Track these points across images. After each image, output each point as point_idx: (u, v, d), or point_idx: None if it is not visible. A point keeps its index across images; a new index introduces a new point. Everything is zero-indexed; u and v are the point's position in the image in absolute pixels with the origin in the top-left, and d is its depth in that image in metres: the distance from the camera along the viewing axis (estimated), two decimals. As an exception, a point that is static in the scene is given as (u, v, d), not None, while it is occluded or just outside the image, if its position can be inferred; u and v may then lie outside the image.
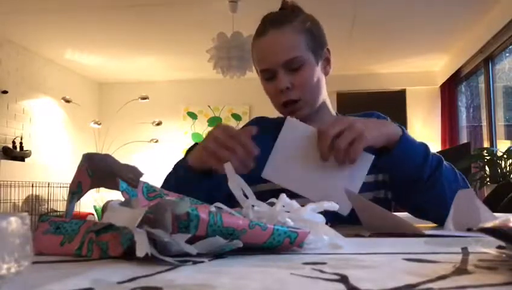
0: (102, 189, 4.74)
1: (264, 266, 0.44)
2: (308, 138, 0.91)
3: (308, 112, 1.18)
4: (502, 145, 4.38)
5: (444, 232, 0.73)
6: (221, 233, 0.47)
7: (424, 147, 0.98)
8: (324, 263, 0.45)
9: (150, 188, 0.61)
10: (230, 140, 0.89)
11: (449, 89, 5.76)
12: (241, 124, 6.39)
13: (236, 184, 0.63)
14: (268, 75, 1.15)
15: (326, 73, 1.22)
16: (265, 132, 1.26)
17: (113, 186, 0.58)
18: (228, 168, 0.66)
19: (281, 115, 1.35)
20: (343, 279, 0.37)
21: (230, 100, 6.50)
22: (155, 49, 5.44)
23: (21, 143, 5.03)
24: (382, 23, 4.58)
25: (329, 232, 0.58)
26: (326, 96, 1.25)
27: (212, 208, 0.57)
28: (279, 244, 0.51)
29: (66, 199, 0.63)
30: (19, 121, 5.22)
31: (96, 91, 6.81)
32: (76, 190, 0.61)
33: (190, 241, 0.46)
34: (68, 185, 0.66)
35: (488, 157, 3.50)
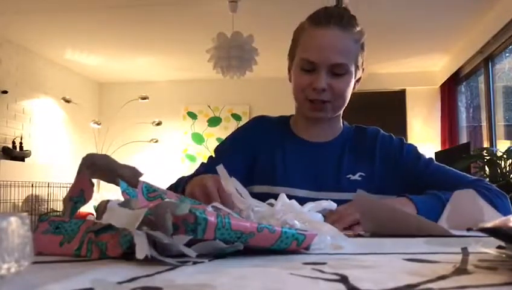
0: (102, 189, 4.74)
1: (264, 266, 0.44)
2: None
3: (330, 116, 1.19)
4: (502, 145, 4.38)
5: (462, 234, 0.73)
6: (229, 236, 0.47)
7: (439, 206, 0.94)
8: (324, 263, 0.45)
9: (149, 188, 0.61)
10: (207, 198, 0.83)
11: (449, 89, 5.75)
12: (241, 124, 6.38)
13: (231, 185, 0.63)
14: (308, 67, 1.13)
15: (354, 88, 1.22)
16: (267, 132, 1.26)
17: (112, 181, 0.58)
18: (221, 170, 0.66)
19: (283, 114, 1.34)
20: (343, 279, 0.37)
21: (230, 100, 6.50)
22: (155, 49, 5.43)
23: (21, 143, 5.03)
24: (382, 23, 4.58)
25: (332, 232, 0.58)
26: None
27: (210, 208, 0.57)
28: (287, 247, 0.51)
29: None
30: (19, 121, 5.22)
31: (96, 91, 6.81)
32: (79, 198, 0.61)
33: (190, 243, 0.46)
34: (68, 186, 0.66)
35: (487, 158, 3.50)
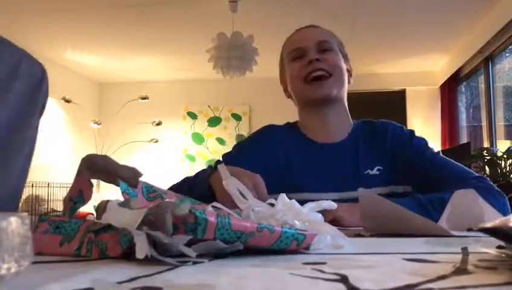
0: (102, 189, 4.74)
1: (264, 266, 0.44)
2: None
3: (335, 93, 1.19)
4: (502, 145, 4.38)
5: (462, 233, 0.73)
6: (229, 236, 0.47)
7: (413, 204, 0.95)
8: (324, 263, 0.45)
9: (149, 189, 0.61)
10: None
11: (449, 89, 5.75)
12: (241, 124, 6.39)
13: (232, 184, 0.63)
14: (297, 54, 1.20)
15: (348, 81, 1.24)
16: (277, 142, 1.24)
17: (112, 181, 0.58)
18: (222, 169, 0.66)
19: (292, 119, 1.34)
20: (343, 279, 0.37)
21: (230, 100, 6.50)
22: (155, 49, 5.43)
23: (21, 143, 5.03)
24: (382, 23, 4.58)
25: (332, 231, 0.58)
26: (346, 100, 1.26)
27: (210, 208, 0.57)
28: (287, 247, 0.51)
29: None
30: (19, 121, 5.21)
31: (96, 91, 6.81)
32: (78, 199, 0.61)
33: (190, 243, 0.46)
34: (68, 186, 0.66)
35: (488, 157, 3.50)
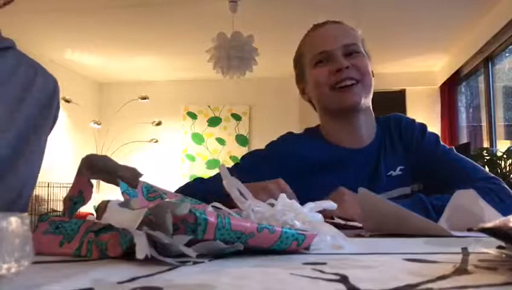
0: (102, 189, 4.74)
1: (264, 266, 0.44)
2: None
3: (363, 101, 1.12)
4: (502, 145, 4.38)
5: (462, 234, 0.72)
6: (229, 237, 0.47)
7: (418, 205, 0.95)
8: (324, 263, 0.45)
9: (149, 189, 0.61)
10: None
11: (449, 89, 5.75)
12: (241, 124, 6.39)
13: (232, 185, 0.63)
14: (323, 58, 1.11)
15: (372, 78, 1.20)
16: (305, 148, 1.18)
17: (112, 181, 0.58)
18: (222, 169, 0.65)
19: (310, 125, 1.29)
20: (344, 279, 0.37)
21: (230, 100, 6.50)
22: (155, 49, 5.43)
23: (21, 143, 5.03)
24: (382, 23, 4.58)
25: (332, 232, 0.58)
26: (371, 106, 1.21)
27: (210, 208, 0.57)
28: (287, 247, 0.51)
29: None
30: (19, 121, 5.21)
31: (96, 91, 6.81)
32: (78, 199, 0.61)
33: (190, 243, 0.46)
34: (68, 186, 0.66)
35: (487, 158, 3.51)
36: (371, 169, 1.14)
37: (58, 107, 0.94)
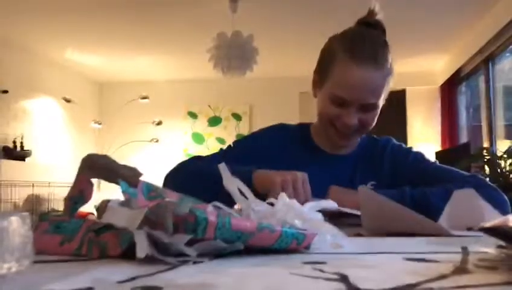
0: (102, 189, 4.74)
1: (264, 265, 0.44)
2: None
3: (357, 140, 1.23)
4: (502, 145, 4.37)
5: (462, 233, 0.73)
6: (229, 236, 0.47)
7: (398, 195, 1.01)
8: (324, 263, 0.45)
9: (150, 188, 0.61)
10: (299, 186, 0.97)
11: (449, 89, 5.75)
12: (241, 124, 6.39)
13: (233, 184, 0.63)
14: (339, 102, 1.13)
15: None
16: (286, 142, 1.25)
17: (112, 181, 0.58)
18: (223, 168, 0.65)
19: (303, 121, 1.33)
20: (344, 278, 0.37)
21: (231, 100, 6.50)
22: (155, 49, 5.43)
23: (21, 143, 5.03)
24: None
25: (332, 231, 0.58)
26: None
27: (210, 208, 0.57)
28: (287, 246, 0.51)
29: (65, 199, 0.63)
30: (20, 120, 5.22)
31: (97, 91, 6.81)
32: (79, 198, 0.61)
33: (191, 242, 0.46)
34: (68, 185, 0.66)
35: (488, 157, 3.50)
36: (343, 176, 1.19)
37: None
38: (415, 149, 1.26)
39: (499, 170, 3.40)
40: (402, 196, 1.02)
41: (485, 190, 1.02)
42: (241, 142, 1.31)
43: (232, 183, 0.63)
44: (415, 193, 1.04)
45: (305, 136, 1.28)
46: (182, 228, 0.46)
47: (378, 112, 1.18)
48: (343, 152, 1.24)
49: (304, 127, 1.31)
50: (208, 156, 1.26)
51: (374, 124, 1.18)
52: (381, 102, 1.17)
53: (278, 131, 1.29)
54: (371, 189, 1.15)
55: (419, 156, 1.23)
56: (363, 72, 1.10)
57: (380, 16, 1.22)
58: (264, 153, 1.21)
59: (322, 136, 1.25)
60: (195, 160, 1.24)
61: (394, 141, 1.28)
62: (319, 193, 1.14)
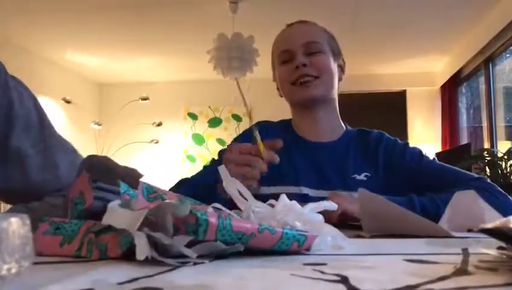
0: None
1: (264, 266, 0.44)
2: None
3: (321, 93, 1.19)
4: (503, 146, 4.37)
5: (463, 234, 0.72)
6: (230, 238, 0.47)
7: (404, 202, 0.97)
8: (324, 264, 0.45)
9: (150, 189, 0.61)
10: (242, 157, 0.91)
11: (449, 90, 5.75)
12: (242, 124, 6.38)
13: (233, 186, 0.63)
14: (286, 57, 1.20)
15: (339, 78, 1.24)
16: (269, 135, 1.25)
17: (112, 182, 0.58)
18: (222, 170, 0.65)
19: (285, 118, 1.34)
20: (344, 280, 0.37)
21: (231, 101, 6.49)
22: (155, 50, 5.44)
23: (21, 144, 5.03)
24: (382, 24, 4.58)
25: (333, 232, 0.58)
26: (336, 100, 1.27)
27: (210, 209, 0.56)
28: (288, 248, 0.51)
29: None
30: (20, 121, 5.22)
31: (97, 92, 6.81)
32: (79, 200, 0.61)
33: (191, 244, 0.46)
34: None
35: (488, 158, 3.50)
36: (333, 166, 1.18)
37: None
38: (411, 145, 1.24)
39: (499, 171, 3.40)
40: (411, 203, 0.99)
41: (491, 194, 1.02)
42: (225, 150, 1.30)
43: (232, 185, 0.63)
44: (424, 200, 1.01)
45: (287, 128, 1.30)
46: (183, 229, 0.46)
47: (331, 61, 1.20)
48: (326, 138, 1.23)
49: (284, 121, 1.34)
50: (194, 175, 1.22)
51: (332, 71, 1.19)
52: (328, 50, 1.19)
53: (259, 126, 1.30)
54: (366, 180, 1.15)
55: (417, 151, 1.21)
56: (293, 27, 1.25)
57: None
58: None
59: (302, 124, 1.26)
60: (183, 181, 1.18)
61: (388, 135, 1.27)
62: (310, 180, 1.15)
